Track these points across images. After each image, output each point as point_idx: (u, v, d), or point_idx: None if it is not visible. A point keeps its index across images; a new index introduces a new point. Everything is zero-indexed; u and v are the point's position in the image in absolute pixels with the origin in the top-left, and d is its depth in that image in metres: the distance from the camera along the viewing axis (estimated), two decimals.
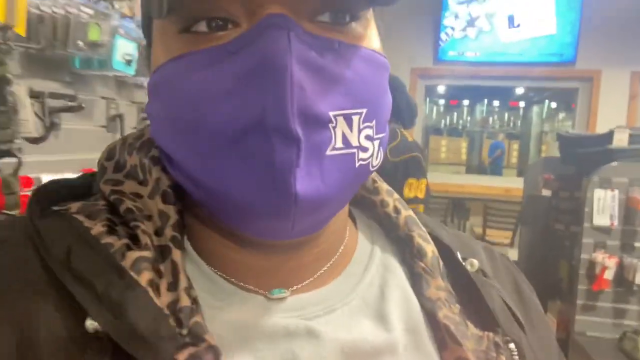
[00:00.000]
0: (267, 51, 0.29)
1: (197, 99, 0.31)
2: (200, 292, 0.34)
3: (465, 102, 7.34)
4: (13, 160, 0.98)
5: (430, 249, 0.41)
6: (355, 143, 0.32)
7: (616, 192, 2.02)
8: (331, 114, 0.31)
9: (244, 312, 0.34)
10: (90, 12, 1.26)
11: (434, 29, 4.08)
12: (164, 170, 0.37)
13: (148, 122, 0.38)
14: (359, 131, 0.32)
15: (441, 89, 5.62)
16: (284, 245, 0.36)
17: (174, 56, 0.33)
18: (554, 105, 6.46)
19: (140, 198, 0.36)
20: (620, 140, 2.10)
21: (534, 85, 4.59)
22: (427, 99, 4.81)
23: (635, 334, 1.94)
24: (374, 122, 0.33)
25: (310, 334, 0.34)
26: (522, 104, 7.07)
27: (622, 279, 2.04)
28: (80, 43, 1.20)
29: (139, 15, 1.28)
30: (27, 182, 1.06)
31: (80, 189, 0.39)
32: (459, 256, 0.42)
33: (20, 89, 0.99)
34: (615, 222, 2.03)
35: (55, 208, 0.35)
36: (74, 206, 0.35)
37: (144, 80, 1.61)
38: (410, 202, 1.67)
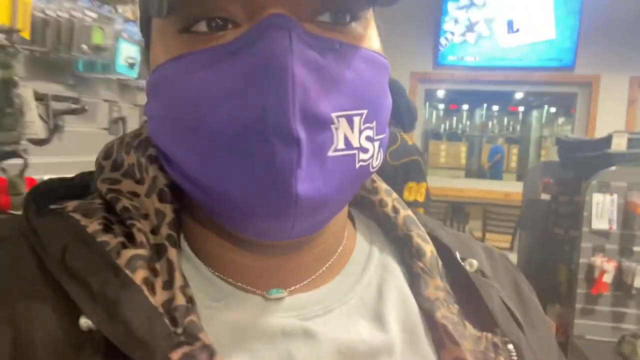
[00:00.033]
0: (268, 51, 0.29)
1: (197, 99, 0.31)
2: (198, 293, 0.34)
3: (465, 106, 7.36)
4: (18, 161, 0.99)
5: (429, 248, 0.41)
6: (356, 144, 0.32)
7: (615, 196, 2.04)
8: (333, 114, 0.31)
9: (242, 313, 0.34)
10: (94, 16, 1.27)
11: (434, 34, 4.10)
12: (161, 169, 0.36)
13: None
14: (360, 132, 0.32)
15: (441, 93, 5.64)
16: (283, 245, 0.36)
17: (174, 56, 0.32)
18: (553, 110, 6.48)
19: (137, 197, 0.36)
20: (619, 144, 2.11)
21: (533, 90, 4.61)
22: (427, 104, 4.82)
23: (634, 338, 1.94)
24: (374, 123, 0.33)
25: (307, 334, 0.34)
26: (521, 108, 7.09)
27: (620, 282, 2.05)
28: (84, 46, 1.22)
29: None
30: (31, 183, 1.07)
31: (78, 187, 0.39)
32: (458, 256, 0.42)
33: (26, 92, 1.00)
34: (614, 226, 2.04)
35: (52, 207, 0.35)
36: (71, 205, 0.35)
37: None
38: (410, 205, 1.67)
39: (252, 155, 0.30)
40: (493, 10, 3.99)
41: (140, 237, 0.33)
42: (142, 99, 1.73)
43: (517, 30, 3.97)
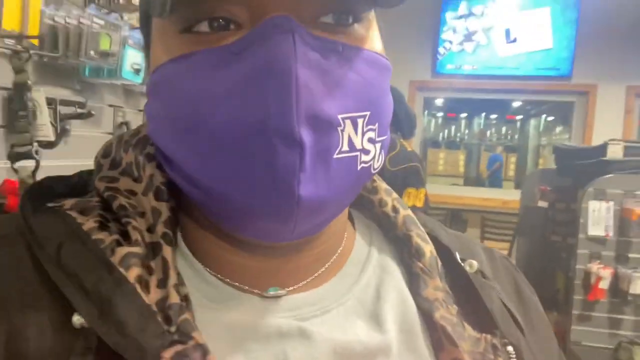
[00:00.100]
0: (271, 54, 0.29)
1: (198, 99, 0.31)
2: (195, 292, 0.33)
3: (463, 115, 7.38)
4: (30, 163, 1.01)
5: (428, 249, 0.40)
6: (358, 146, 0.32)
7: (611, 203, 2.04)
8: (339, 116, 0.30)
9: (238, 313, 0.34)
10: (102, 23, 1.30)
11: (432, 43, 4.13)
12: (159, 167, 0.36)
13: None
14: (363, 134, 0.32)
15: (439, 101, 5.66)
16: (282, 247, 0.36)
17: (175, 56, 0.32)
18: (551, 118, 6.52)
19: (134, 195, 0.36)
20: (615, 152, 2.13)
21: (530, 98, 4.64)
22: (426, 112, 4.84)
23: (631, 344, 1.95)
24: (376, 124, 0.33)
25: (303, 334, 0.33)
26: (519, 117, 7.12)
27: (617, 289, 2.05)
28: (92, 52, 1.24)
29: None
30: None
31: (76, 186, 0.39)
32: (458, 257, 0.41)
33: (39, 95, 1.03)
34: (610, 233, 2.05)
35: (49, 204, 0.35)
36: (68, 203, 0.35)
37: None
38: None
39: (252, 155, 0.29)
40: (491, 19, 4.03)
41: (135, 235, 0.33)
42: None
43: (515, 40, 4.00)
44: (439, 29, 4.10)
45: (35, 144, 0.99)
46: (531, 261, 2.77)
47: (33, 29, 1.10)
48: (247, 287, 0.35)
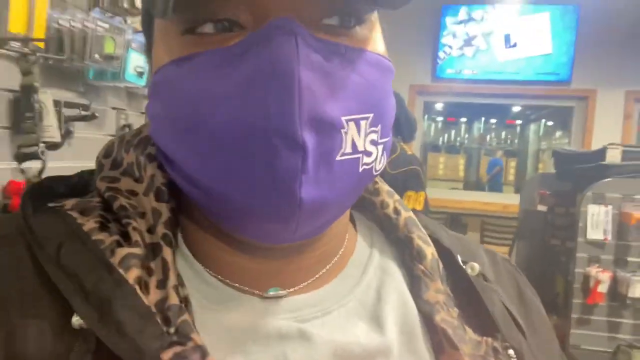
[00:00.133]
0: (274, 56, 0.29)
1: (200, 100, 0.31)
2: (195, 294, 0.33)
3: (463, 119, 7.40)
4: (36, 164, 1.02)
5: (430, 251, 0.40)
6: (361, 148, 0.32)
7: (610, 207, 2.05)
8: (343, 118, 0.30)
9: (239, 314, 0.34)
10: (106, 26, 1.31)
11: (432, 47, 4.15)
12: (160, 168, 0.36)
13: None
14: (366, 136, 0.32)
15: (439, 106, 5.68)
16: (283, 248, 0.36)
17: (177, 57, 0.32)
18: (550, 123, 6.53)
19: (135, 195, 0.36)
20: (613, 156, 2.14)
21: (530, 103, 4.66)
22: (426, 116, 4.86)
23: (630, 348, 1.96)
24: (379, 126, 0.33)
25: (303, 336, 0.33)
26: (519, 121, 7.14)
27: (615, 293, 2.05)
28: (97, 56, 1.26)
29: None
30: None
31: (77, 186, 0.39)
32: (460, 259, 0.41)
33: (46, 97, 1.04)
34: (609, 237, 2.05)
35: (50, 205, 0.35)
36: (69, 203, 0.35)
37: None
38: None
39: (252, 155, 0.29)
40: (490, 24, 4.05)
41: (135, 236, 0.33)
42: None
43: (515, 45, 4.02)
44: (439, 33, 4.12)
45: (42, 145, 1.00)
46: (531, 265, 2.78)
47: (39, 32, 1.12)
48: (247, 289, 0.35)
